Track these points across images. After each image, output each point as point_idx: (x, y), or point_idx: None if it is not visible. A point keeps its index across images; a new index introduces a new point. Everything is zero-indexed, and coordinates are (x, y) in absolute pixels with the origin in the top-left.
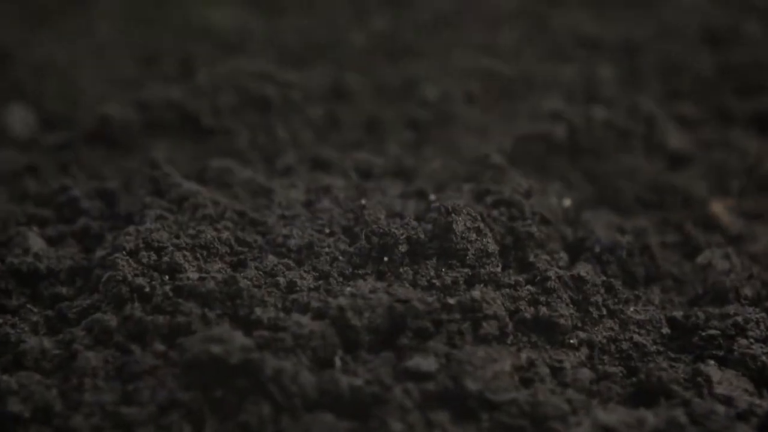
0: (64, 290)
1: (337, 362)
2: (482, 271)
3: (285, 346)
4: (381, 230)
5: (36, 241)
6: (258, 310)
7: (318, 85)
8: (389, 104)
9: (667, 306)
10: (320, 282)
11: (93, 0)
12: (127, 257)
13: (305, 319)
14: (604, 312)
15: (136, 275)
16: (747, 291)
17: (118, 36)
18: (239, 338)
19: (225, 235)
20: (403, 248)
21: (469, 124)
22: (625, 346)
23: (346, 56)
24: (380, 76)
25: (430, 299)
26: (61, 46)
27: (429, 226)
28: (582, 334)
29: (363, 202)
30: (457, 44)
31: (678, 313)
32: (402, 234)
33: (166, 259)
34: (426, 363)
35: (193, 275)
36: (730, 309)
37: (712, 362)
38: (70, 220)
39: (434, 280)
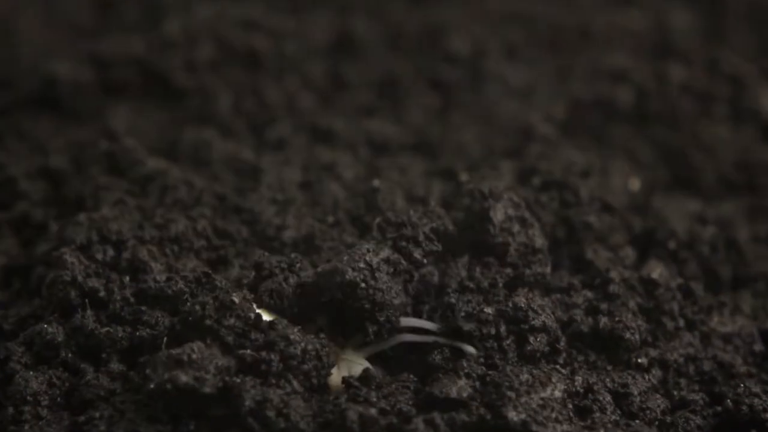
0: None
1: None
2: (527, 271)
3: (272, 368)
4: (398, 220)
5: None
6: (239, 320)
7: (319, 35)
8: (408, 59)
9: (759, 315)
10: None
11: None
12: (78, 253)
13: (296, 334)
14: (681, 324)
15: (88, 276)
16: None
17: None
18: (215, 359)
19: (201, 225)
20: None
21: (510, 84)
22: (707, 366)
23: None
24: (396, 24)
25: None
26: None
27: (460, 215)
28: (653, 352)
29: (376, 183)
30: None
31: None
32: (425, 224)
33: (126, 255)
34: (456, 387)
35: (161, 276)
36: None
37: None
38: (5, 205)
39: (467, 283)
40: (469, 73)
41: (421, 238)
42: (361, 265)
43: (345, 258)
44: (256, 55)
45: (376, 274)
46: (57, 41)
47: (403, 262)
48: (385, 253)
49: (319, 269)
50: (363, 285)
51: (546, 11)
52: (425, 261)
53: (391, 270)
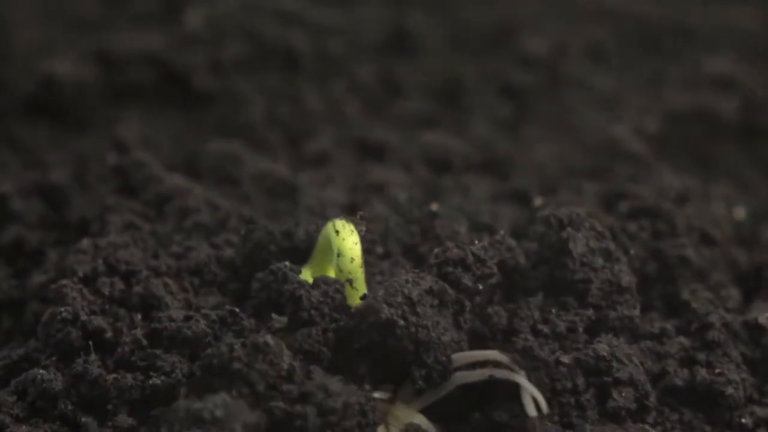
0: None
1: None
2: (612, 313)
3: (309, 425)
4: (460, 250)
5: None
6: (272, 367)
7: (369, 31)
8: (474, 60)
9: None
10: None
11: None
12: (80, 286)
13: (336, 384)
14: None
15: (92, 313)
16: None
17: None
18: (243, 414)
19: (227, 253)
20: (493, 278)
21: (594, 91)
22: None
23: None
24: (460, 19)
25: None
26: None
27: (533, 246)
28: (759, 411)
29: (434, 207)
30: None
31: None
32: (492, 257)
33: (138, 289)
34: None
35: (178, 314)
36: None
37: None
38: None
39: (540, 326)
40: (545, 77)
41: (470, 260)
42: (399, 299)
43: (380, 293)
44: (294, 53)
45: (418, 309)
46: (59, 37)
47: (450, 291)
48: (428, 282)
49: (353, 310)
50: (402, 323)
51: (637, 6)
52: (479, 287)
53: (436, 302)
